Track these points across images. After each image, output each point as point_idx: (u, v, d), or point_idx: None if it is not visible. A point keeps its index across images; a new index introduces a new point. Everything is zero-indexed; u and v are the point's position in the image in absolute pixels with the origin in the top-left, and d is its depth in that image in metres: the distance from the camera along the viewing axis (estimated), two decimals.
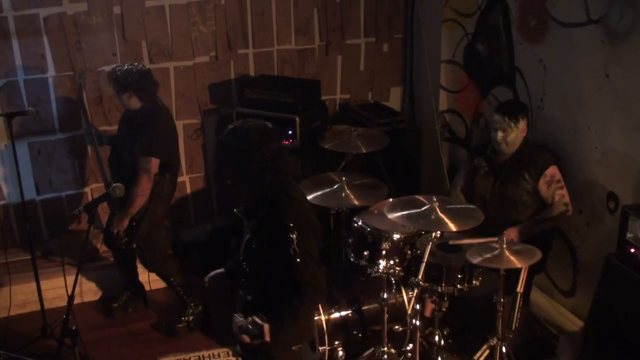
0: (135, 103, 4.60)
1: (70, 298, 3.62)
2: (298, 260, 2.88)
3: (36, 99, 5.27)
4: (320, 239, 3.13)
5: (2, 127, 5.08)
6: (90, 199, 5.56)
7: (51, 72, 5.27)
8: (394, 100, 6.24)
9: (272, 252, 2.98)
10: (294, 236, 2.88)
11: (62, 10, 5.15)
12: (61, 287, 4.92)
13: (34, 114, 4.80)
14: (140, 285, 5.17)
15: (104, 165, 5.01)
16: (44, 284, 4.84)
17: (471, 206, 3.93)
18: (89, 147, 5.40)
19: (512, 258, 3.50)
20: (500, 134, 4.20)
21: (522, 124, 4.20)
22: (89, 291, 5.27)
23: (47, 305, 4.75)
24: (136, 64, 4.66)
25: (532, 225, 4.17)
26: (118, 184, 3.56)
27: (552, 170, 4.22)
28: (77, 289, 3.99)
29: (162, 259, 4.81)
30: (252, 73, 5.75)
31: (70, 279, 4.01)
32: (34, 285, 4.72)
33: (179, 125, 5.54)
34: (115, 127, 5.21)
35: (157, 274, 4.95)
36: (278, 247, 2.93)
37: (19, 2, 5.04)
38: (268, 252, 3.01)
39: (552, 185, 4.21)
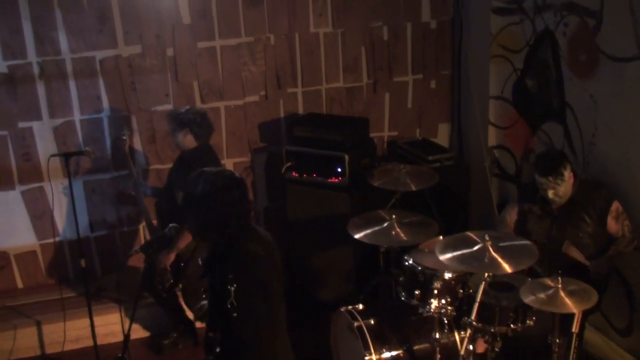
0: (190, 142, 4.72)
1: (126, 336, 3.66)
2: (235, 314, 2.83)
3: (91, 138, 5.42)
4: (275, 292, 3.01)
5: (59, 165, 5.23)
6: (143, 236, 5.66)
7: (106, 112, 5.42)
8: (442, 136, 6.24)
9: (214, 301, 2.95)
10: (232, 289, 2.81)
11: (117, 52, 5.32)
12: (113, 324, 5.03)
13: (91, 154, 4.94)
14: (189, 322, 5.20)
15: (148, 209, 5.12)
16: (97, 320, 4.89)
17: (525, 242, 3.83)
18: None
19: (567, 300, 3.42)
20: (551, 192, 4.11)
21: (567, 174, 4.08)
22: (139, 327, 5.32)
23: (99, 341, 4.81)
24: (195, 107, 4.79)
25: (605, 262, 4.10)
26: (174, 225, 3.62)
27: (616, 204, 4.14)
28: (128, 325, 4.04)
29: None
30: (301, 111, 5.82)
31: (123, 316, 4.06)
32: (87, 321, 4.79)
33: (230, 163, 5.63)
34: (167, 166, 5.33)
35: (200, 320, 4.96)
36: (218, 297, 2.89)
37: (76, 45, 5.23)
38: (213, 299, 2.99)
39: (619, 218, 4.13)
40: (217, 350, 3.00)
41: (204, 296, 3.19)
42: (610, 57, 4.36)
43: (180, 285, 4.77)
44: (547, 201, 4.23)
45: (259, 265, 2.96)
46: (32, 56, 5.18)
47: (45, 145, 5.34)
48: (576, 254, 4.11)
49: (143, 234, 5.68)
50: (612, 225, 4.14)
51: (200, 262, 3.13)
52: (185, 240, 4.61)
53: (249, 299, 2.86)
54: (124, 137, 5.17)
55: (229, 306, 2.81)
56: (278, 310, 3.04)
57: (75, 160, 5.30)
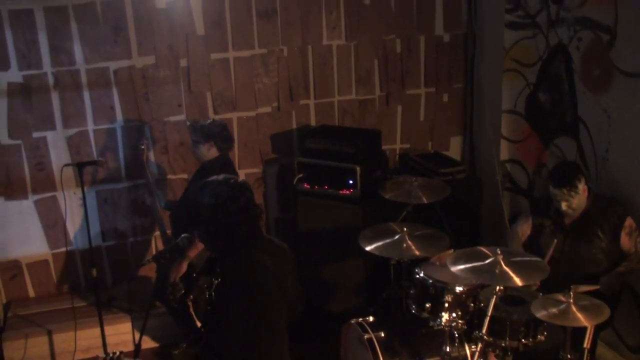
0: (213, 155, 4.80)
1: (137, 346, 3.66)
2: (209, 307, 2.85)
3: (105, 148, 5.46)
4: (270, 303, 2.99)
5: (72, 175, 5.25)
6: (155, 246, 5.68)
7: (119, 123, 5.45)
8: (454, 149, 6.23)
9: (215, 308, 2.94)
10: (216, 282, 2.84)
11: (131, 63, 5.36)
12: (124, 333, 5.05)
13: (105, 164, 4.97)
14: (199, 332, 5.20)
15: (163, 220, 5.13)
16: (108, 330, 4.91)
17: (536, 258, 3.86)
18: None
19: (578, 315, 3.41)
20: (564, 205, 4.11)
21: (582, 186, 4.09)
22: (150, 337, 5.31)
23: (110, 351, 4.81)
24: (216, 119, 4.85)
25: (616, 278, 4.07)
26: (186, 235, 3.63)
27: (630, 221, 4.13)
28: (139, 335, 4.04)
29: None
30: (313, 123, 5.84)
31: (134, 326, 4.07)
32: (98, 330, 4.80)
33: (241, 174, 5.65)
34: (179, 176, 5.36)
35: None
36: (220, 305, 2.89)
37: (91, 55, 5.27)
38: (214, 307, 2.97)
39: (632, 234, 4.11)
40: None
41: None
42: (624, 72, 4.35)
43: (192, 297, 4.76)
44: (560, 214, 4.22)
45: (255, 273, 2.95)
46: (47, 66, 5.22)
47: (58, 155, 5.38)
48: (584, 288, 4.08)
49: (155, 244, 5.70)
50: (625, 241, 4.12)
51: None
52: (196, 250, 4.60)
53: (256, 307, 2.85)
54: (142, 147, 5.19)
55: (208, 296, 2.83)
56: (276, 327, 3.00)
57: (88, 169, 5.32)
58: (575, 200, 4.09)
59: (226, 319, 2.85)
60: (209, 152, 4.81)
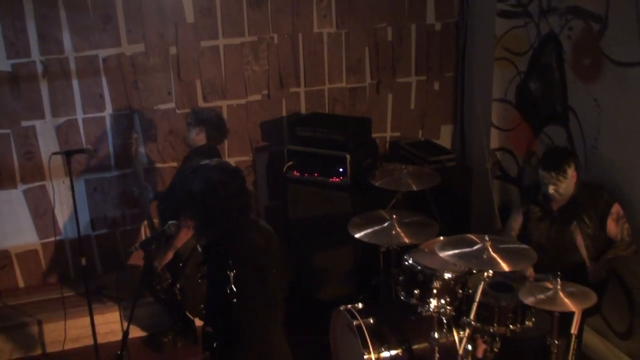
0: (201, 141, 4.78)
1: (125, 334, 3.65)
2: (234, 300, 2.81)
3: (94, 136, 5.43)
4: (273, 283, 2.99)
5: (61, 164, 5.23)
6: (144, 235, 5.67)
7: (108, 111, 5.43)
8: (445, 138, 6.23)
9: (212, 288, 2.94)
10: (232, 274, 2.80)
11: (120, 51, 5.33)
12: (113, 322, 5.03)
13: (93, 152, 4.94)
14: (189, 321, 5.21)
15: (150, 210, 5.12)
16: (97, 319, 4.89)
17: (524, 246, 3.87)
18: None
19: (566, 301, 3.42)
20: (552, 188, 4.13)
21: (571, 171, 4.11)
22: (139, 326, 5.32)
23: (100, 340, 4.81)
24: (218, 111, 4.97)
25: (603, 265, 4.09)
26: (173, 222, 3.61)
27: (617, 207, 4.15)
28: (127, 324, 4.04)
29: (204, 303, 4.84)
30: (303, 111, 5.83)
31: (123, 314, 4.06)
32: (87, 320, 4.79)
33: (231, 162, 5.56)
34: (168, 165, 5.34)
35: (201, 318, 4.96)
36: (216, 285, 2.87)
37: (79, 43, 5.24)
38: (211, 287, 2.97)
39: (619, 221, 4.13)
40: (215, 345, 2.99)
41: (199, 281, 3.16)
42: (614, 62, 4.35)
43: (179, 286, 4.77)
44: (547, 199, 4.23)
45: (257, 254, 2.95)
46: (35, 55, 5.19)
47: (47, 144, 5.35)
48: (580, 240, 4.10)
49: (145, 232, 5.68)
50: (612, 227, 4.13)
51: (199, 249, 3.11)
52: (183, 239, 4.61)
53: (248, 285, 2.84)
54: (132, 140, 5.16)
55: (228, 292, 2.80)
56: (276, 303, 3.02)
57: (77, 158, 5.30)
58: (563, 185, 4.11)
59: (246, 304, 2.85)
60: (198, 136, 4.80)
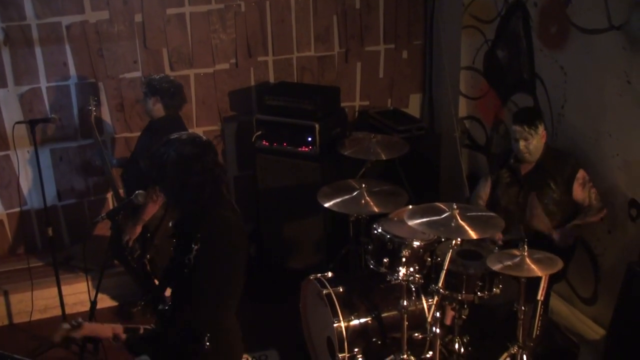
0: (159, 111, 4.66)
1: (93, 304, 3.63)
2: (185, 270, 2.79)
3: (58, 105, 5.34)
4: (240, 261, 2.95)
5: (25, 133, 5.14)
6: (111, 205, 5.61)
7: (73, 80, 5.33)
8: (414, 107, 6.24)
9: (175, 259, 2.91)
10: (195, 247, 2.78)
11: (84, 18, 5.21)
12: (82, 292, 5.01)
13: (57, 121, 4.85)
14: (157, 290, 5.19)
15: (116, 180, 5.05)
16: (65, 290, 4.89)
17: (491, 214, 3.92)
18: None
19: (532, 266, 3.48)
20: (522, 144, 4.18)
21: (541, 129, 4.19)
22: (108, 296, 5.30)
23: (68, 311, 4.81)
24: (172, 77, 4.75)
25: (570, 231, 4.15)
26: (140, 191, 3.57)
27: (583, 172, 4.21)
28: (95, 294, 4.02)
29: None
30: (271, 80, 5.78)
31: (91, 285, 4.04)
32: (55, 290, 4.77)
33: (199, 131, 5.58)
34: (135, 134, 5.27)
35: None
36: (178, 251, 2.86)
37: (42, 10, 5.11)
38: (175, 258, 2.93)
39: (585, 185, 4.19)
40: (160, 307, 3.01)
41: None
42: (580, 29, 4.37)
43: (149, 256, 4.74)
44: (517, 160, 4.28)
45: (231, 231, 2.91)
46: None
47: (10, 113, 5.24)
48: (542, 225, 4.16)
49: (112, 202, 5.62)
50: (578, 192, 4.19)
51: (170, 224, 3.08)
52: (150, 212, 4.58)
53: (215, 261, 2.82)
54: (90, 107, 5.06)
55: (186, 261, 2.78)
56: (236, 286, 2.97)
57: (42, 127, 5.21)
58: (533, 141, 4.16)
59: (202, 279, 2.81)
60: (154, 107, 4.67)
